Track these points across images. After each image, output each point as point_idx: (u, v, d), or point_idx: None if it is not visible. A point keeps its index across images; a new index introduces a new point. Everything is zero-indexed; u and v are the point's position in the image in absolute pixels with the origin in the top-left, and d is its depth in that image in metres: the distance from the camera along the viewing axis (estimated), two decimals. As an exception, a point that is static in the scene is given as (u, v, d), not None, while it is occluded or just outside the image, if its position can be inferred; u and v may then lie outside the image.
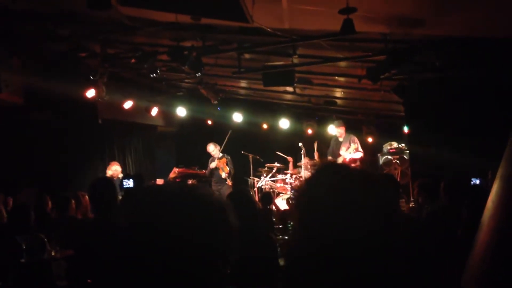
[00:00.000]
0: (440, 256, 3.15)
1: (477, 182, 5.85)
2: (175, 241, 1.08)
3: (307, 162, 10.12)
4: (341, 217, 1.12)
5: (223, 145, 10.47)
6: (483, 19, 5.34)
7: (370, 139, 11.82)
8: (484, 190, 5.05)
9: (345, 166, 1.32)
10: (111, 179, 4.00)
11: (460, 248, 3.68)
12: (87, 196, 5.95)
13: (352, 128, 10.50)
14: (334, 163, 1.36)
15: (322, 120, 11.88)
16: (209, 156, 10.63)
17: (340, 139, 9.93)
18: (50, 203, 6.09)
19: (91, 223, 3.60)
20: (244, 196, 3.46)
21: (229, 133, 10.54)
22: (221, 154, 10.37)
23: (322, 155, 10.42)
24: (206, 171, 10.66)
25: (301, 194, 1.24)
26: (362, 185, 1.17)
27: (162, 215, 1.12)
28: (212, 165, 10.38)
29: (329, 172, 1.24)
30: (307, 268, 1.15)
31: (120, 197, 4.83)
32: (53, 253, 4.70)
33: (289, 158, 10.73)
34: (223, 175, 10.16)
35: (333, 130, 10.20)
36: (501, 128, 6.48)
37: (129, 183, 6.52)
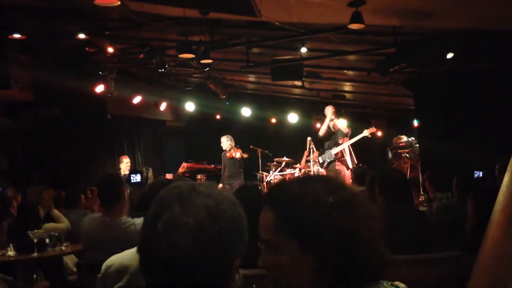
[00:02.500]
0: (450, 249, 3.12)
1: (480, 174, 5.81)
2: (195, 239, 1.08)
3: (316, 157, 10.05)
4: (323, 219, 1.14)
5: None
6: (494, 11, 5.27)
7: (379, 133, 11.76)
8: (489, 182, 5.02)
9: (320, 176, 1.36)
10: (118, 175, 4.02)
11: (469, 241, 3.66)
12: (96, 191, 5.98)
13: (362, 121, 10.42)
14: (308, 176, 1.38)
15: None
16: (219, 151, 10.53)
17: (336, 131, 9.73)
18: (63, 197, 6.13)
19: (100, 217, 3.61)
20: (253, 191, 3.45)
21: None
22: (228, 146, 10.02)
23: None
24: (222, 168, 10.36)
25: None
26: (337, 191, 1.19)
27: (177, 215, 1.11)
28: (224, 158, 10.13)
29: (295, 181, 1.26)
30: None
31: (128, 192, 4.86)
32: (63, 248, 4.73)
33: (306, 152, 10.63)
34: (238, 154, 9.79)
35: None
36: (511, 121, 6.47)
37: (136, 178, 6.57)
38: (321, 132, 9.69)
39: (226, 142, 9.94)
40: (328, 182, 1.22)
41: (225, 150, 9.99)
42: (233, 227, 1.14)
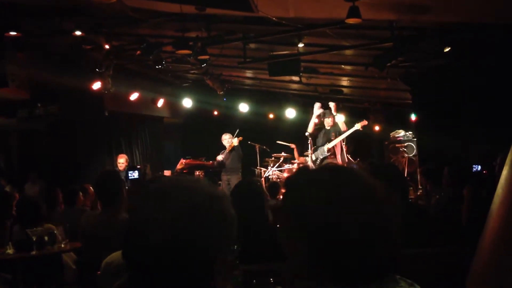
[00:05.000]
0: (448, 243, 3.14)
1: (478, 168, 5.83)
2: (167, 235, 1.06)
3: (311, 153, 10.03)
4: (318, 209, 1.12)
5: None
6: (491, 5, 5.27)
7: (377, 127, 11.77)
8: (485, 176, 5.03)
9: (330, 166, 1.33)
10: (116, 172, 4.02)
11: (466, 233, 3.68)
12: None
13: (359, 116, 10.42)
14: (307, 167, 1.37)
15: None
16: (217, 147, 10.57)
17: (328, 128, 9.70)
18: (60, 195, 6.13)
19: (99, 215, 3.61)
20: (252, 187, 3.45)
21: (237, 131, 10.29)
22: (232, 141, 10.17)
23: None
24: (215, 162, 10.52)
25: (286, 195, 1.25)
26: (337, 178, 1.18)
27: (151, 210, 1.10)
28: (219, 157, 10.23)
29: (305, 171, 1.25)
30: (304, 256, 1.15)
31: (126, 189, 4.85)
32: (62, 245, 4.73)
33: (292, 145, 10.64)
34: (235, 141, 10.00)
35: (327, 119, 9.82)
36: (509, 115, 6.47)
37: (134, 175, 6.59)
38: (309, 129, 9.70)
39: (226, 139, 10.10)
40: (341, 175, 1.20)
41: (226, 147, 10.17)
42: (213, 224, 1.11)
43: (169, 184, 1.16)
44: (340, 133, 9.41)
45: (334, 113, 9.51)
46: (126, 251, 1.13)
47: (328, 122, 9.54)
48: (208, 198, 1.13)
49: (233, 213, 1.16)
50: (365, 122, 9.51)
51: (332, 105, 9.55)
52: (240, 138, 10.11)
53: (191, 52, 6.89)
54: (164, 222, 1.07)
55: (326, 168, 1.26)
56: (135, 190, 2.62)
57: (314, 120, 9.73)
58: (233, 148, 9.96)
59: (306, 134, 9.95)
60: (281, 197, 7.79)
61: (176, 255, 1.06)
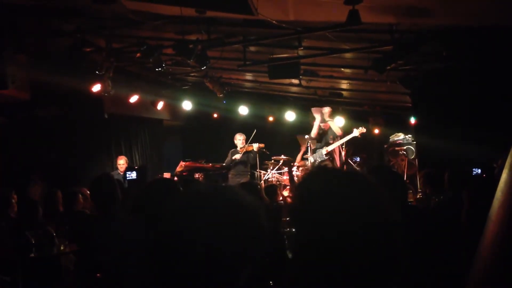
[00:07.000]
0: (447, 246, 3.13)
1: (479, 171, 5.84)
2: (207, 245, 1.08)
3: (309, 156, 10.10)
4: (331, 215, 1.12)
5: (248, 142, 10.34)
6: (491, 8, 5.28)
7: (376, 130, 11.78)
8: (485, 179, 5.02)
9: (335, 169, 1.37)
10: (111, 176, 4.02)
11: (465, 237, 3.68)
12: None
13: (359, 119, 10.43)
14: (325, 167, 1.39)
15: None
16: (217, 149, 10.59)
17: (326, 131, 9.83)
18: (60, 197, 6.12)
19: (98, 218, 3.61)
20: (253, 189, 3.45)
21: (254, 132, 10.34)
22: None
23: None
24: (226, 161, 10.51)
25: (295, 195, 1.26)
26: (351, 185, 1.18)
27: (195, 219, 1.11)
28: (237, 156, 10.20)
29: (321, 175, 1.25)
30: (306, 261, 1.15)
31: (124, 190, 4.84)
32: (62, 248, 4.73)
33: (303, 148, 10.66)
34: (255, 146, 10.04)
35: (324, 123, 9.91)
36: (508, 118, 6.48)
37: (132, 175, 6.58)
38: (313, 133, 9.77)
39: (241, 139, 10.25)
40: (335, 179, 1.21)
41: (236, 148, 10.25)
42: (254, 236, 1.15)
43: (209, 192, 1.17)
44: (338, 137, 9.51)
45: (327, 118, 9.63)
46: (159, 257, 1.13)
47: (324, 126, 9.65)
48: (250, 210, 1.16)
49: (267, 225, 1.19)
50: (363, 130, 9.58)
51: (326, 110, 9.65)
52: (262, 145, 10.15)
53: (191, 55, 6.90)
54: (207, 231, 1.08)
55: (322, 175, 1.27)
56: (146, 194, 2.60)
57: (317, 124, 9.80)
58: (251, 152, 10.06)
59: (306, 136, 10.01)
60: (280, 199, 7.81)
61: (215, 264, 1.08)
